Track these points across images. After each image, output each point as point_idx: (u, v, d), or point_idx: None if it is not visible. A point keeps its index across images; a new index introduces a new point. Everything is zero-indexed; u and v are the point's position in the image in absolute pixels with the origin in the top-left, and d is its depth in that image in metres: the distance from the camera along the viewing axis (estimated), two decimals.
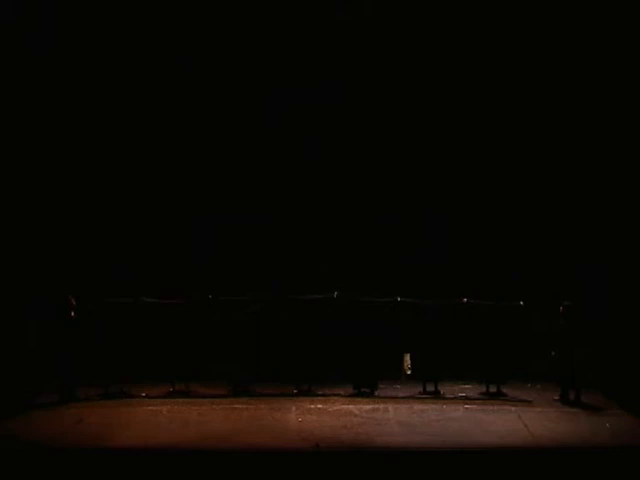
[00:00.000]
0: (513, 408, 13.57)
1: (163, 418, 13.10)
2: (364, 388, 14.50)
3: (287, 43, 16.48)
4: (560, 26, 16.11)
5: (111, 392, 14.24)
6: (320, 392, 14.39)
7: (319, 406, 13.66)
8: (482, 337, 14.61)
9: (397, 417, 13.20)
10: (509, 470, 11.12)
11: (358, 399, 14.12)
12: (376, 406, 13.65)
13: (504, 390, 14.41)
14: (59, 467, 11.07)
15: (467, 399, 14.14)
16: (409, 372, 15.13)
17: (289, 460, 11.31)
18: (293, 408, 13.51)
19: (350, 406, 13.66)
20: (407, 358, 15.15)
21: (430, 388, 14.48)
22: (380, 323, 14.60)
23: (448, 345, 14.71)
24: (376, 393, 14.45)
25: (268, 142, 16.64)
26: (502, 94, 16.38)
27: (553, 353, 14.06)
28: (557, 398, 14.03)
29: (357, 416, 13.20)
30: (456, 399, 14.13)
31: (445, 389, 14.52)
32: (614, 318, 15.34)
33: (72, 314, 14.12)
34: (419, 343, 14.78)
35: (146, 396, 14.26)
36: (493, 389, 14.41)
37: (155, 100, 16.52)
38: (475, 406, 13.69)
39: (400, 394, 14.41)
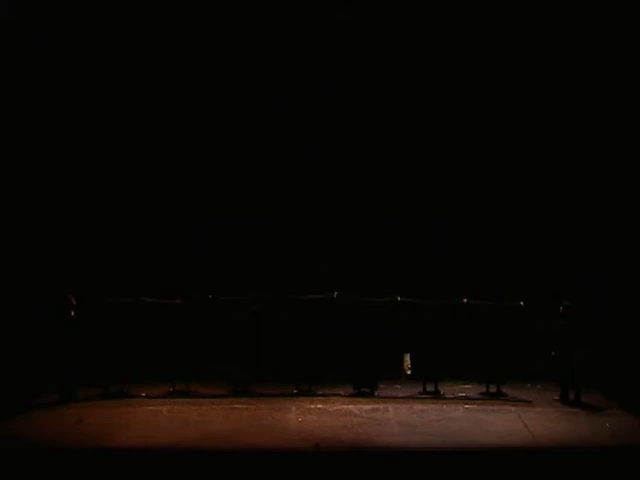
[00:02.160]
0: (513, 408, 13.57)
1: (163, 418, 13.10)
2: (364, 388, 14.50)
3: (287, 43, 16.48)
4: (560, 26, 16.11)
5: (111, 392, 14.24)
6: (320, 392, 14.39)
7: (319, 406, 13.66)
8: (482, 337, 14.61)
9: (397, 417, 13.20)
10: (509, 470, 11.12)
11: (358, 399, 14.11)
12: (376, 406, 13.65)
13: (504, 390, 14.41)
14: (59, 467, 11.07)
15: (467, 399, 14.14)
16: (409, 372, 15.12)
17: (289, 460, 11.31)
18: (293, 408, 13.51)
19: (350, 406, 13.66)
20: (407, 358, 15.15)
21: (430, 388, 14.48)
22: (380, 323, 14.60)
23: (448, 345, 14.71)
24: (376, 393, 14.45)
25: (268, 142, 16.64)
26: (502, 94, 16.38)
27: (553, 353, 14.06)
28: (557, 398, 14.03)
29: (357, 416, 13.20)
30: (456, 399, 14.13)
31: (445, 389, 14.52)
32: (614, 318, 15.34)
33: (72, 314, 14.12)
34: (419, 343, 14.77)
35: (146, 396, 14.26)
36: (493, 389, 14.41)
37: (155, 100, 16.52)
38: (475, 406, 13.69)
39: (400, 394, 14.41)
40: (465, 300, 14.54)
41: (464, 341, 14.95)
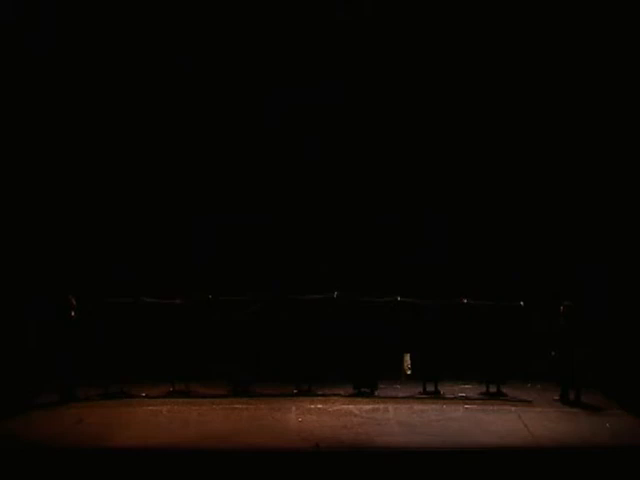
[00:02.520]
0: (513, 408, 13.57)
1: (163, 418, 13.10)
2: (364, 388, 14.50)
3: (287, 43, 16.48)
4: (560, 26, 16.11)
5: (111, 392, 14.24)
6: (320, 392, 14.39)
7: (319, 406, 13.66)
8: (482, 337, 14.61)
9: (397, 417, 13.20)
10: (509, 470, 11.12)
11: (358, 399, 14.11)
12: (376, 406, 13.65)
13: (504, 390, 14.41)
14: (59, 467, 11.07)
15: (467, 399, 14.14)
16: (409, 372, 15.12)
17: (289, 460, 11.31)
18: (293, 408, 13.51)
19: (350, 406, 13.66)
20: (407, 358, 15.15)
21: (430, 388, 14.48)
22: (380, 323, 14.60)
23: (448, 345, 14.70)
24: (376, 393, 14.45)
25: (268, 142, 16.64)
26: (502, 94, 16.38)
27: (553, 353, 14.06)
28: (557, 398, 14.03)
29: (357, 416, 13.20)
30: (456, 399, 14.13)
31: (445, 389, 14.52)
32: (614, 318, 15.34)
33: (72, 314, 14.12)
34: (419, 343, 14.77)
35: (146, 396, 14.26)
36: (493, 389, 14.41)
37: (155, 100, 16.52)
38: (475, 406, 13.69)
39: (400, 394, 14.41)
40: (465, 300, 14.54)
41: (464, 341, 14.92)
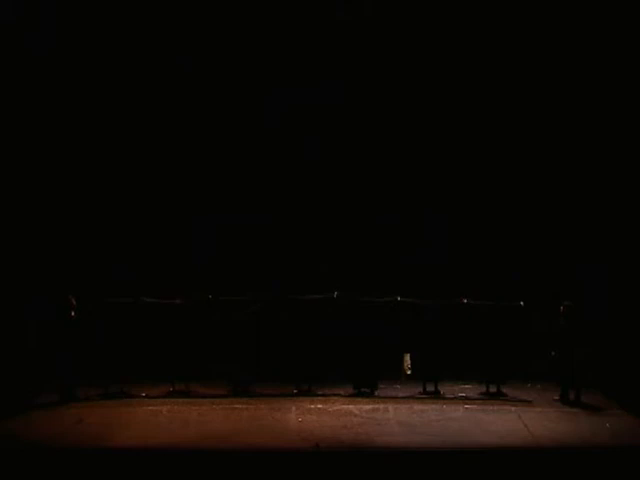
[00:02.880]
0: (513, 408, 13.58)
1: (163, 418, 13.10)
2: (364, 388, 14.50)
3: (287, 43, 16.48)
4: (560, 26, 16.11)
5: (111, 392, 14.24)
6: (320, 392, 14.39)
7: (319, 406, 13.66)
8: (482, 337, 14.61)
9: (397, 417, 13.20)
10: (509, 470, 11.12)
11: (358, 399, 14.11)
12: (376, 406, 13.65)
13: (504, 390, 14.41)
14: (59, 467, 11.08)
15: (467, 399, 14.14)
16: (409, 372, 15.13)
17: (289, 460, 11.31)
18: (293, 408, 13.51)
19: (350, 406, 13.66)
20: (407, 358, 15.15)
21: (430, 388, 14.48)
22: (380, 323, 14.60)
23: (448, 345, 14.71)
24: (376, 393, 14.45)
25: (268, 142, 16.64)
26: (502, 94, 16.38)
27: (553, 353, 14.07)
28: (557, 398, 14.03)
29: (357, 416, 13.20)
30: (456, 399, 14.13)
31: (445, 389, 14.52)
32: (614, 318, 15.34)
33: (72, 314, 14.12)
34: (419, 343, 14.78)
35: (146, 396, 14.26)
36: (493, 389, 14.41)
37: (155, 100, 16.52)
38: (475, 406, 13.69)
39: (400, 394, 14.41)
40: (465, 300, 14.54)
41: (464, 341, 14.95)
